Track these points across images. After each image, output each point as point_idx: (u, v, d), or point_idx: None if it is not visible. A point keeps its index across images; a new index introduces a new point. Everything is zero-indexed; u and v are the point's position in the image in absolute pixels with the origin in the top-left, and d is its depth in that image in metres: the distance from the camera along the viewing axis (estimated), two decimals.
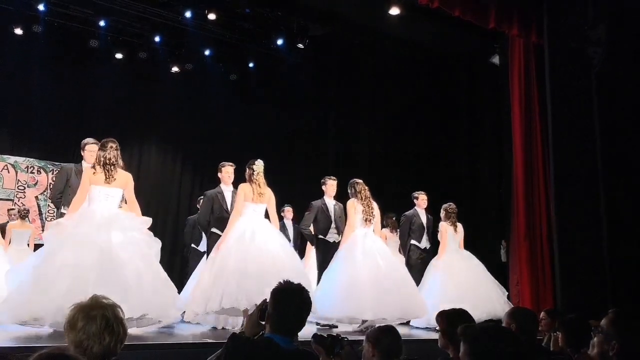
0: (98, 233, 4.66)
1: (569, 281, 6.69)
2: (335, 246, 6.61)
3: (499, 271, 8.18)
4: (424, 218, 7.50)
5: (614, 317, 2.23)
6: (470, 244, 7.53)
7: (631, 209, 6.37)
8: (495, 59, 9.12)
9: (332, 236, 6.78)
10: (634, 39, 6.54)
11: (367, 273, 5.82)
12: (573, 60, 7.00)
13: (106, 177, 4.87)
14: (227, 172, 6.38)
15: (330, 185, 6.81)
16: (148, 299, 4.48)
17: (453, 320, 2.88)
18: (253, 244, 5.22)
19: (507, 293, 6.93)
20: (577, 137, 6.93)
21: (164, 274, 4.96)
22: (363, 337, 2.80)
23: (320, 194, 6.92)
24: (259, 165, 5.65)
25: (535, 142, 7.84)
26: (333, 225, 6.77)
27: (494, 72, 9.19)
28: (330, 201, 6.84)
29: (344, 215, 6.63)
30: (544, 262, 7.55)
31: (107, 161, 4.90)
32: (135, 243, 4.80)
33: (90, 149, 5.53)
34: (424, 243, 7.46)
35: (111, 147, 4.95)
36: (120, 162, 5.02)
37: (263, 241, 5.27)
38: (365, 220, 6.18)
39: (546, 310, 4.74)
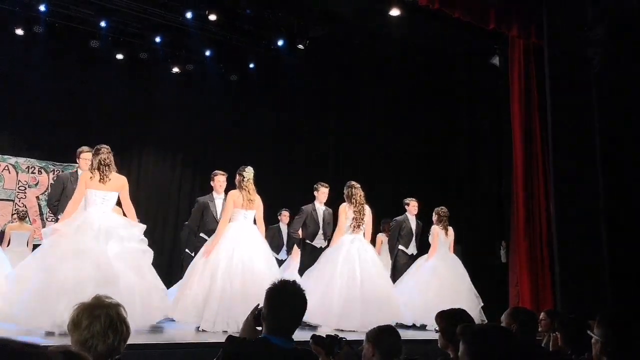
0: (96, 244, 4.78)
1: (569, 281, 6.68)
2: (320, 252, 6.70)
3: (498, 271, 8.18)
4: (413, 224, 7.55)
5: (599, 318, 2.24)
6: (470, 245, 7.53)
7: (631, 209, 6.36)
8: (495, 60, 9.12)
9: (318, 242, 6.86)
10: (634, 39, 6.54)
11: (340, 284, 5.93)
12: (573, 61, 7.00)
13: (101, 178, 5.03)
14: (218, 180, 6.62)
15: (322, 193, 6.88)
16: (138, 312, 4.57)
17: (452, 320, 2.89)
18: (240, 266, 5.35)
19: (482, 304, 6.93)
20: (577, 137, 6.93)
21: (155, 281, 5.09)
22: (363, 338, 2.81)
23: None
24: (249, 172, 5.77)
25: (535, 142, 7.84)
26: (321, 231, 6.84)
27: (494, 72, 9.19)
28: (320, 207, 6.91)
29: (332, 221, 6.70)
30: (543, 263, 7.55)
31: (102, 162, 5.06)
32: (130, 254, 4.94)
33: (85, 157, 5.68)
34: (412, 249, 7.49)
35: (104, 151, 5.13)
36: (114, 165, 5.17)
37: (249, 263, 5.40)
38: (355, 226, 6.21)
39: (546, 311, 4.77)
